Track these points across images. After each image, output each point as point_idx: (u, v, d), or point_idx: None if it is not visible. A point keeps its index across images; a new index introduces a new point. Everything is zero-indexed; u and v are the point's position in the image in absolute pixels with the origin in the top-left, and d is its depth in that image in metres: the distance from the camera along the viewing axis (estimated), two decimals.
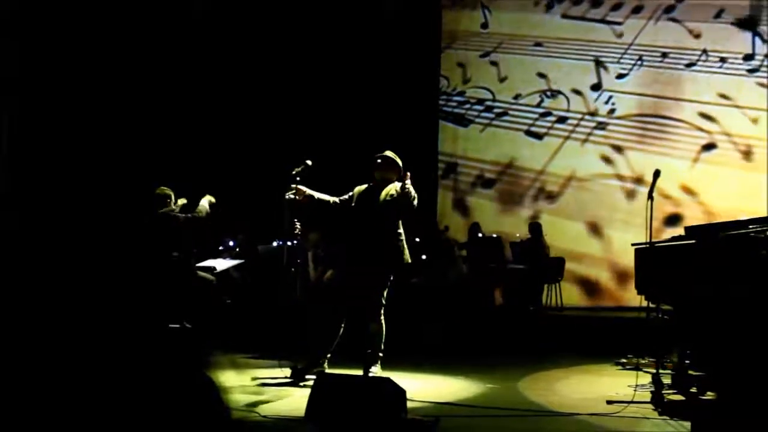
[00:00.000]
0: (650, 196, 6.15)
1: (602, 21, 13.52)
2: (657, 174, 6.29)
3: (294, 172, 6.93)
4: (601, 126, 13.40)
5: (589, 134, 13.44)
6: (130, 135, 11.46)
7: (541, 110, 13.71)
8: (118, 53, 11.52)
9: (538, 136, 13.70)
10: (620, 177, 13.13)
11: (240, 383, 6.55)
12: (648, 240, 6.21)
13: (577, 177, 13.32)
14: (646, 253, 6.43)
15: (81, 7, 11.11)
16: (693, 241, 6.23)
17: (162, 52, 11.99)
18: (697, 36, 12.98)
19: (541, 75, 13.73)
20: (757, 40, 12.82)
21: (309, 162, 7.00)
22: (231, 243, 11.04)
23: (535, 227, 11.97)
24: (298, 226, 7.14)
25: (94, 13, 11.21)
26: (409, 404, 5.35)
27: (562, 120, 13.58)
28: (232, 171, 12.38)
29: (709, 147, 12.82)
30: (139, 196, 8.39)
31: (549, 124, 13.65)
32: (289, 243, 7.30)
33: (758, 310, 5.77)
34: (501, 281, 11.80)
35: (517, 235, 12.46)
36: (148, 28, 11.80)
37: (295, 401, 5.78)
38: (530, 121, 13.75)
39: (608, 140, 13.34)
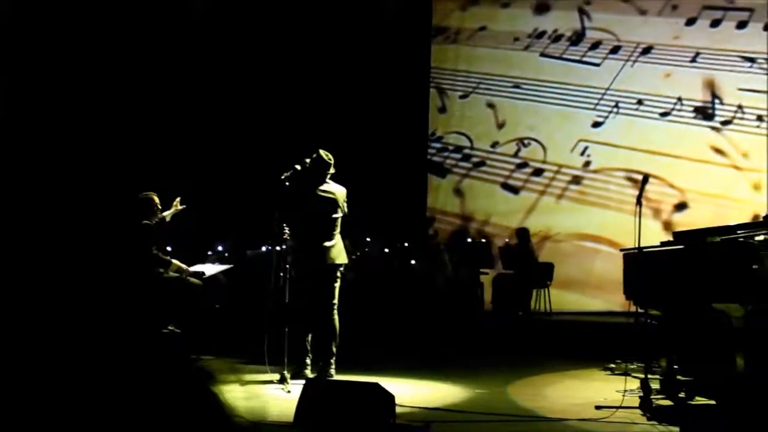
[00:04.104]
0: (639, 202, 6.17)
1: (580, 61, 13.30)
2: (645, 179, 6.32)
3: (283, 177, 6.95)
4: (576, 180, 13.12)
5: (565, 189, 13.17)
6: (122, 137, 11.44)
7: (517, 161, 13.47)
8: (116, 53, 11.50)
9: (515, 190, 13.48)
10: (594, 238, 12.75)
11: (231, 389, 6.53)
12: (636, 245, 6.22)
13: (551, 236, 12.90)
14: (634, 258, 6.44)
15: (79, 6, 11.08)
16: (681, 247, 6.25)
17: (159, 53, 11.98)
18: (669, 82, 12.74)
19: (519, 120, 13.54)
20: (726, 87, 12.53)
21: (298, 167, 7.01)
22: (220, 248, 11.03)
23: (522, 232, 11.97)
24: (287, 231, 7.13)
25: (92, 13, 11.19)
26: (398, 409, 5.34)
27: (538, 172, 13.33)
28: (221, 174, 12.38)
29: (681, 207, 12.46)
30: (126, 201, 8.36)
31: (525, 177, 13.39)
32: (278, 248, 7.29)
33: (745, 314, 5.79)
34: (490, 286, 11.83)
35: (506, 240, 12.44)
36: (147, 28, 11.79)
37: (283, 407, 5.76)
38: (507, 173, 13.52)
39: (583, 196, 13.04)
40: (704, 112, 12.61)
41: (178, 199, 7.93)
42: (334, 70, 13.10)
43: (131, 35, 11.64)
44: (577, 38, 13.39)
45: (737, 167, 12.37)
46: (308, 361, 7.08)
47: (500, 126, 13.64)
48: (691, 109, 12.65)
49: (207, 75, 12.59)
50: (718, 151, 12.45)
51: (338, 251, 7.12)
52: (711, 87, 12.60)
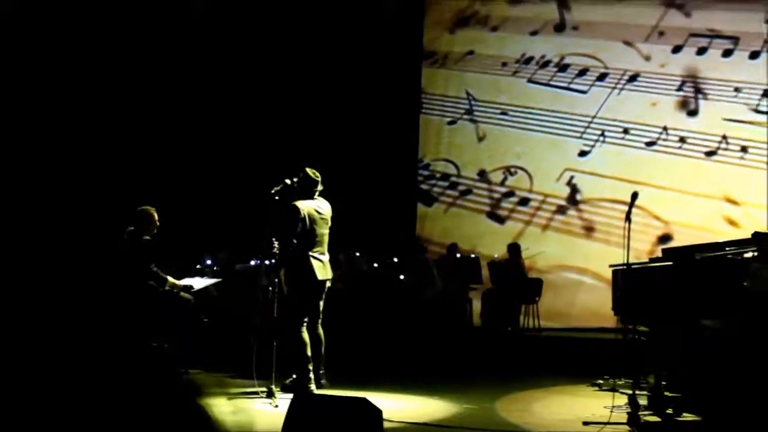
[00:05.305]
0: (627, 218, 6.19)
1: (567, 88, 13.24)
2: (635, 196, 6.33)
3: (273, 191, 6.97)
4: (562, 210, 13.03)
5: (550, 219, 13.07)
6: (114, 143, 11.44)
7: (504, 189, 13.41)
8: (115, 54, 11.50)
9: (500, 220, 13.41)
10: (579, 269, 12.59)
11: (218, 403, 6.52)
12: (625, 261, 6.23)
13: (536, 268, 12.57)
14: (623, 275, 6.46)
15: (79, 7, 11.09)
16: (670, 263, 6.27)
17: (154, 56, 12.00)
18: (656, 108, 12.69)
19: (506, 148, 13.48)
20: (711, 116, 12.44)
21: (288, 181, 7.04)
22: (209, 262, 11.00)
23: (513, 248, 11.97)
24: (276, 245, 7.13)
25: (92, 13, 11.20)
26: (386, 424, 5.32)
27: (524, 202, 13.27)
28: (211, 188, 12.36)
29: (665, 239, 12.19)
30: (119, 213, 8.34)
31: (511, 206, 13.33)
32: (267, 262, 7.29)
33: (733, 330, 5.81)
34: (479, 301, 11.82)
35: (495, 255, 12.42)
36: (146, 28, 11.80)
37: (271, 421, 5.74)
38: (493, 202, 13.48)
39: (568, 226, 12.95)
40: (689, 141, 12.54)
41: None
42: (326, 90, 13.11)
43: (130, 39, 11.64)
44: (558, 29, 13.32)
45: (722, 198, 12.25)
46: (311, 375, 7.04)
47: (487, 153, 13.60)
48: (677, 138, 12.58)
49: (199, 89, 12.60)
50: (703, 182, 12.32)
51: (329, 266, 7.20)
52: (695, 115, 12.55)
